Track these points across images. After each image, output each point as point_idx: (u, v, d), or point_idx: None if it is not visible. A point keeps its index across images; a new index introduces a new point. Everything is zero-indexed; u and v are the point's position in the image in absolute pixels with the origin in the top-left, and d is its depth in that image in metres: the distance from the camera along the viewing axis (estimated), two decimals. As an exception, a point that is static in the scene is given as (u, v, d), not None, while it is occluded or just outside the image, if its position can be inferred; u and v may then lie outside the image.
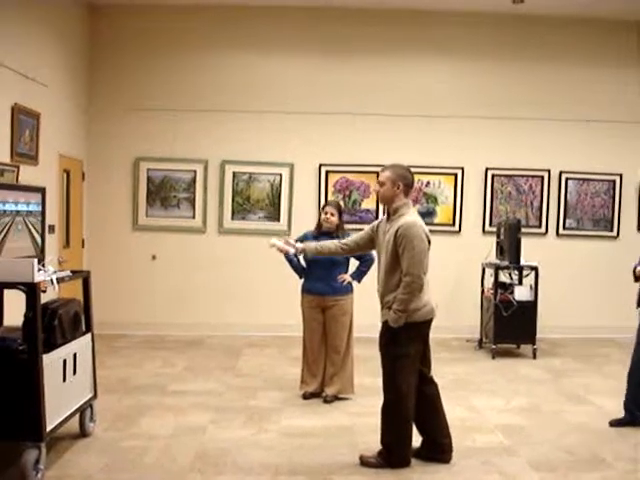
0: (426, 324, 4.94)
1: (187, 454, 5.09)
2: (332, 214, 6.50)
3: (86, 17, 9.40)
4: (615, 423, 5.88)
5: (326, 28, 9.65)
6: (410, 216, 4.87)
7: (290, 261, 6.63)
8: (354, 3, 9.39)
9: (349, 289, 6.60)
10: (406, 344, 4.86)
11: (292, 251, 5.53)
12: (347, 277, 6.57)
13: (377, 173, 5.21)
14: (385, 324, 4.93)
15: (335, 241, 5.60)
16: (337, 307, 6.54)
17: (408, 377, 4.91)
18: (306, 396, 6.60)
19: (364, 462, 4.99)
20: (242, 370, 7.77)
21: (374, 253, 5.68)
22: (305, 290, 6.67)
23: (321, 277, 6.50)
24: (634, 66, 9.90)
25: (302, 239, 6.47)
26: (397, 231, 4.77)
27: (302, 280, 6.71)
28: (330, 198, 9.52)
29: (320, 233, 6.56)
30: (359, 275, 6.62)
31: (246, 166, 9.72)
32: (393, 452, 4.96)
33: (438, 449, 5.11)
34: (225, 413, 6.11)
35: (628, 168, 9.95)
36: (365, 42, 9.69)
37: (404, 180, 4.94)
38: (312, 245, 5.60)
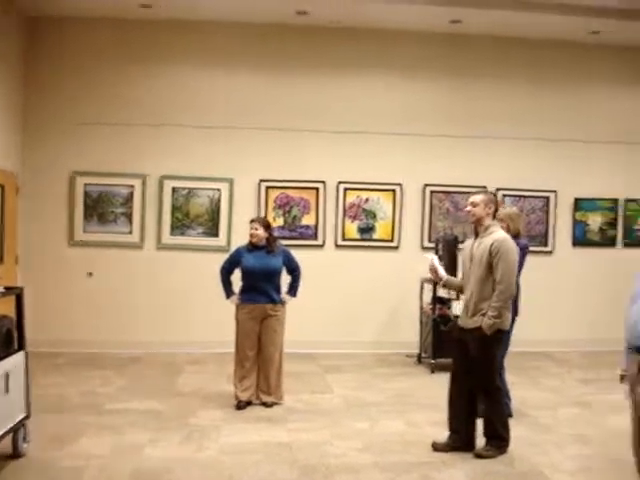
0: (509, 331, 5.82)
1: (125, 474, 5.01)
2: (256, 229, 6.92)
3: (22, 28, 9.22)
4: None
5: (269, 45, 9.65)
6: (501, 233, 5.62)
7: (224, 276, 7.06)
8: (297, 21, 9.42)
9: (283, 300, 7.01)
10: (497, 347, 5.64)
11: (443, 277, 6.01)
12: (287, 297, 7.06)
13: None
14: (478, 330, 5.48)
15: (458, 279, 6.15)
16: (276, 317, 6.91)
17: (502, 376, 5.94)
18: (241, 406, 6.79)
19: (482, 455, 5.50)
20: (182, 387, 7.68)
21: (299, 266, 7.09)
22: (245, 300, 6.93)
23: (262, 288, 6.87)
24: (569, 85, 10.19)
25: (236, 255, 7.04)
26: (492, 245, 5.47)
27: (239, 291, 7.02)
28: (271, 214, 9.58)
29: (253, 247, 6.95)
30: (295, 290, 7.12)
31: (185, 181, 9.63)
32: (506, 439, 5.60)
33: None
34: (164, 431, 6.03)
35: (562, 185, 10.17)
36: (306, 59, 9.74)
37: (493, 204, 5.71)
38: (452, 279, 6.25)
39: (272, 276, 6.92)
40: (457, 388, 5.73)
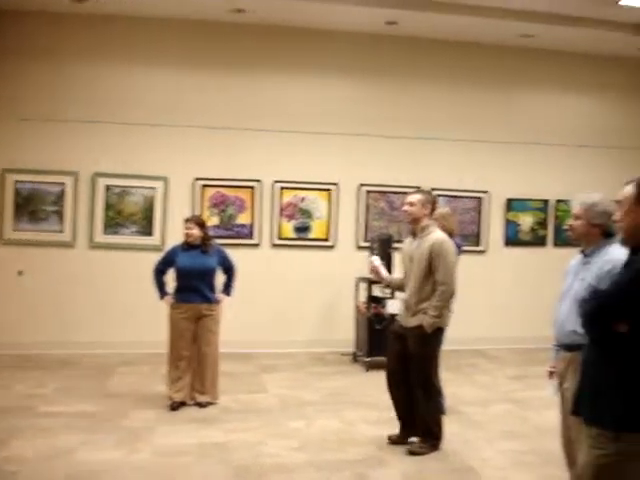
0: (445, 329, 5.77)
1: (57, 477, 4.93)
2: (191, 228, 6.91)
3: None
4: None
5: (205, 42, 9.57)
6: (439, 233, 5.65)
7: (158, 277, 7.01)
8: (232, 18, 9.36)
9: (218, 300, 7.00)
10: (436, 345, 5.69)
11: (385, 278, 6.12)
12: (222, 296, 7.06)
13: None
14: (419, 329, 5.55)
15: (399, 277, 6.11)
16: (211, 316, 6.90)
17: (437, 373, 5.76)
18: (174, 407, 6.75)
19: (415, 452, 5.57)
20: (115, 389, 7.57)
21: (235, 266, 7.07)
22: (179, 300, 6.89)
23: (196, 287, 6.84)
24: (502, 87, 10.40)
25: (171, 254, 7.01)
26: (431, 246, 5.51)
27: (173, 291, 6.99)
28: (206, 213, 9.50)
29: (189, 246, 6.92)
30: (230, 289, 7.13)
31: (119, 179, 9.49)
32: (439, 437, 5.67)
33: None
34: (97, 434, 5.95)
35: (494, 185, 10.36)
36: (241, 58, 9.68)
37: (430, 204, 5.71)
38: (394, 278, 6.31)
39: (207, 275, 6.91)
40: (395, 382, 5.80)
